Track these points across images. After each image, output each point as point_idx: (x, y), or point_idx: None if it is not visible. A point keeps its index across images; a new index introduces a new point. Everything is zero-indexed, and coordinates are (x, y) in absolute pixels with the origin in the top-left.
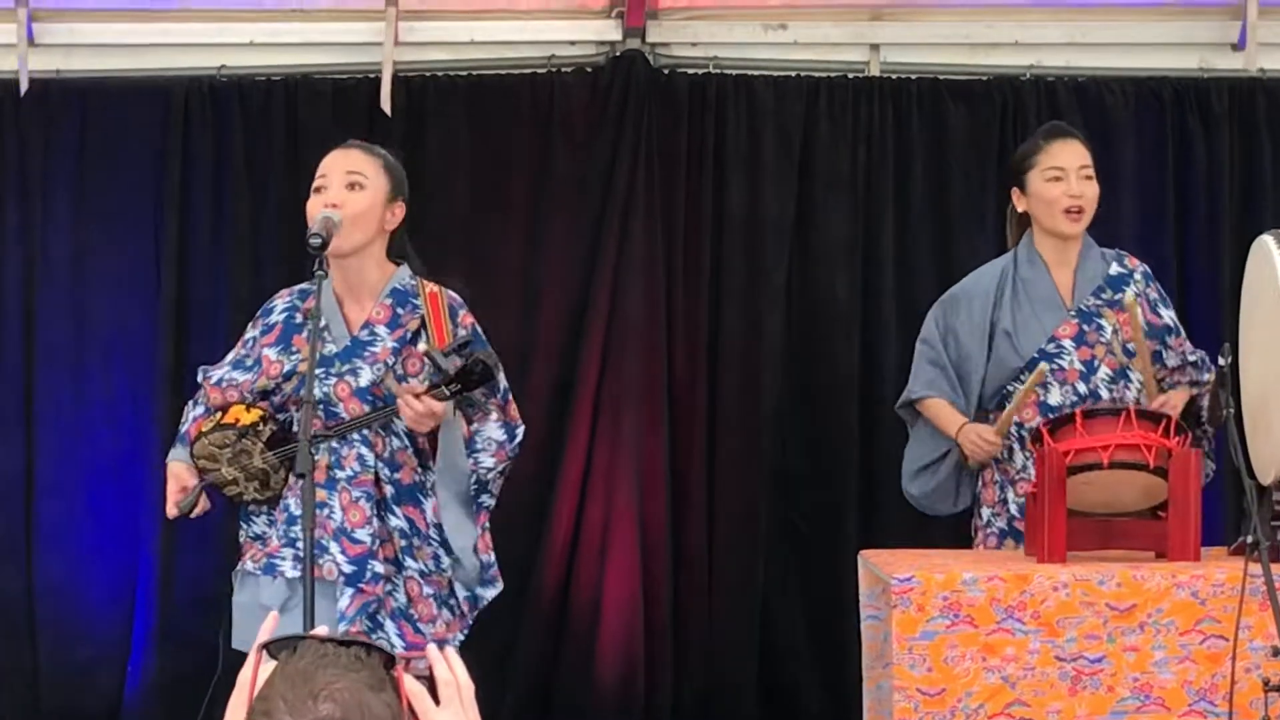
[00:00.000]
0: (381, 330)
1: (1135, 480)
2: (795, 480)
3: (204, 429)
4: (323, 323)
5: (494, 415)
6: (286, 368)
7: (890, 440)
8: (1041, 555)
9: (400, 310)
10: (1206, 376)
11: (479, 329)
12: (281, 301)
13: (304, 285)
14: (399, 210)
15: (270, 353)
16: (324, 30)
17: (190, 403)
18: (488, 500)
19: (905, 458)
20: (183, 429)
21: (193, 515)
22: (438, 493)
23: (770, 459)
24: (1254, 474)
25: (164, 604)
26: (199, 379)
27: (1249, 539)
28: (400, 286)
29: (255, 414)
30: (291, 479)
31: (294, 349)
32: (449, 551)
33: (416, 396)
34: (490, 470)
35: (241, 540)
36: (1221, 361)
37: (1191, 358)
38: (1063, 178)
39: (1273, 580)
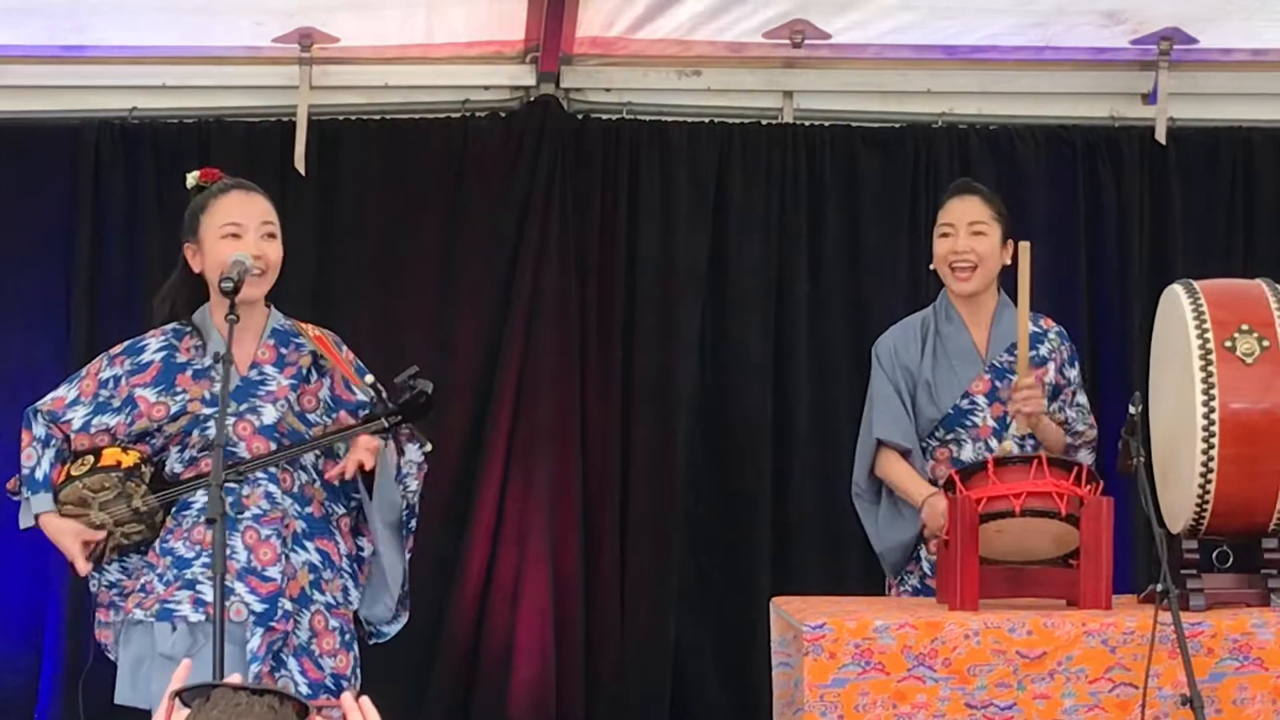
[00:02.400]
0: (270, 370)
1: (1047, 528)
2: (708, 526)
3: (74, 473)
4: (210, 361)
5: (410, 437)
6: (173, 409)
7: (802, 487)
8: (953, 603)
9: (284, 350)
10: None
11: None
12: (155, 341)
13: (175, 325)
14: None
15: (148, 393)
16: (237, 73)
17: (35, 444)
18: (414, 524)
19: (876, 533)
20: (37, 474)
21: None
22: (373, 526)
23: (683, 504)
24: (1163, 522)
25: (71, 653)
26: (33, 419)
27: (1159, 587)
28: (279, 327)
29: (135, 456)
30: (171, 521)
31: (179, 389)
32: (357, 584)
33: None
34: (416, 493)
35: (94, 589)
36: (1132, 410)
37: (1073, 416)
38: (950, 234)
39: (1182, 628)
